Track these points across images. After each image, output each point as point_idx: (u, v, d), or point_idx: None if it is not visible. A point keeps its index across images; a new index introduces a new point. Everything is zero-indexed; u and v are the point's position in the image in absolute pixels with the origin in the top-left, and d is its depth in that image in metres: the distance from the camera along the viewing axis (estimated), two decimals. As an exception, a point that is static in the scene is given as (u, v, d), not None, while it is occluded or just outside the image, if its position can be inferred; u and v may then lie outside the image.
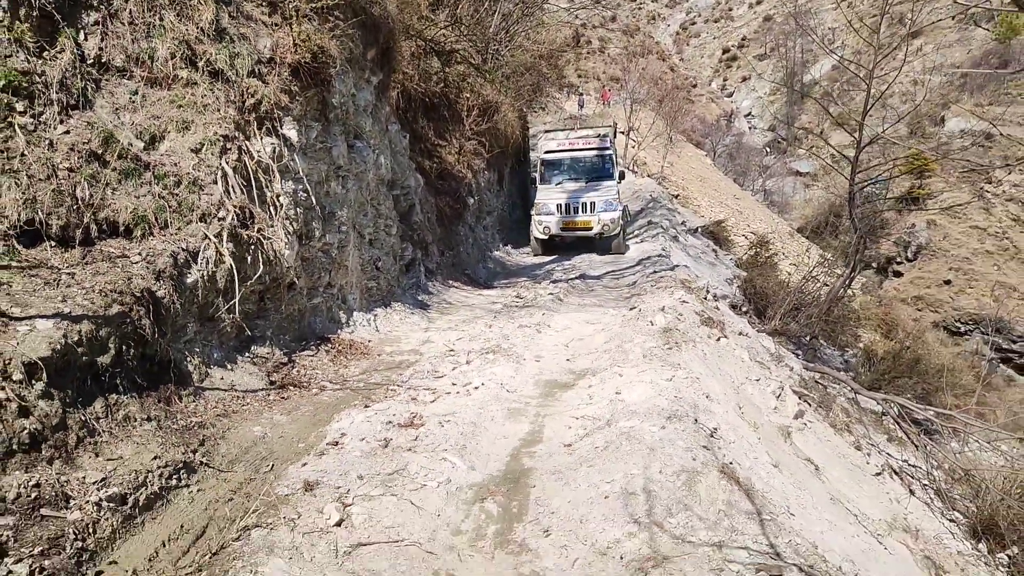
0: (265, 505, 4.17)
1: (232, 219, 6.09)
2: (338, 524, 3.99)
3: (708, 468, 4.32)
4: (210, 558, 3.71)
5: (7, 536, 3.54)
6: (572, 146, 17.22)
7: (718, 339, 8.66)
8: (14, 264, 4.97)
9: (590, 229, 15.66)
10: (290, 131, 7.10)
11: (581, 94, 44.46)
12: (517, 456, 4.95)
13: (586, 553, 3.79)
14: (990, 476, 11.23)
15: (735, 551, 3.65)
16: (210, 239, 5.90)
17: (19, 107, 5.50)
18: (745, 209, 44.54)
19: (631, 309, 8.99)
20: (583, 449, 4.89)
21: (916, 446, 11.65)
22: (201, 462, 4.75)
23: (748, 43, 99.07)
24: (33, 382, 4.28)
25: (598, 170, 16.73)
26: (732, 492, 4.15)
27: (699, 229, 21.22)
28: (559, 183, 16.71)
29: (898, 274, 55.69)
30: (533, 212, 16.40)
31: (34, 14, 5.73)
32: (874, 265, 54.12)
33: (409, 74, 11.42)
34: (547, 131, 20.59)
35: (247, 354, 6.32)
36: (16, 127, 5.37)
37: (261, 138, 6.77)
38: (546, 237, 16.08)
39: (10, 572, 3.41)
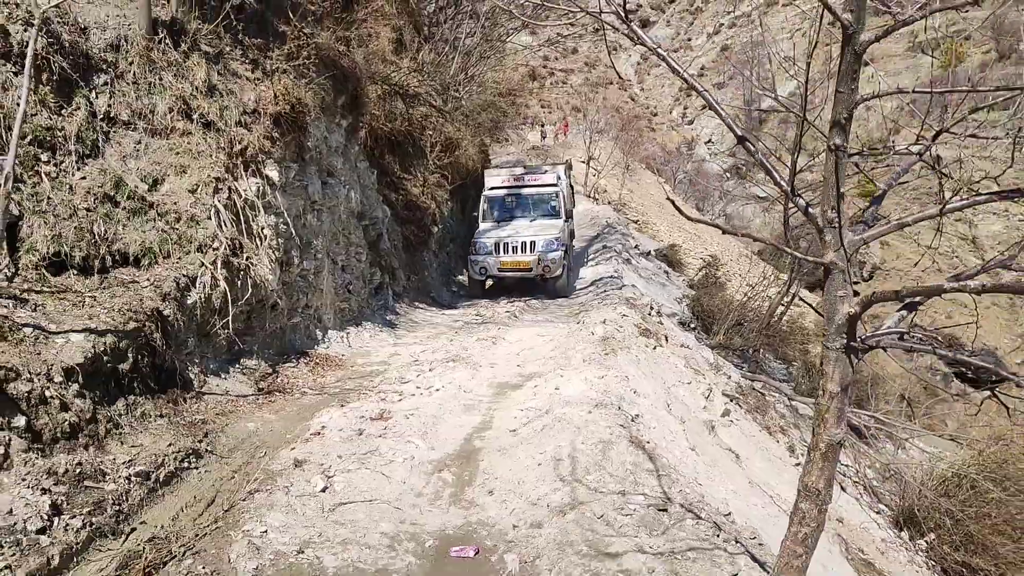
0: (263, 477, 5.16)
1: (224, 249, 7.11)
2: (323, 491, 4.99)
3: (620, 439, 5.42)
4: (223, 514, 4.69)
5: (62, 499, 4.49)
6: (517, 183, 16.75)
7: (654, 347, 9.79)
8: (45, 289, 5.94)
9: (529, 270, 14.59)
10: (272, 172, 8.15)
11: (543, 125, 45.96)
12: (470, 439, 5.99)
13: (521, 505, 4.84)
14: (910, 472, 12.55)
15: (635, 496, 4.72)
16: (206, 266, 6.90)
17: (43, 158, 6.50)
18: (703, 233, 46.18)
19: (577, 323, 10.11)
20: (524, 432, 5.95)
21: (844, 447, 12.88)
22: (206, 450, 5.72)
23: (706, 72, 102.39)
24: (70, 383, 5.26)
25: (543, 208, 16.16)
26: (638, 456, 5.24)
27: (652, 252, 22.50)
28: (501, 221, 15.98)
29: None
30: (470, 252, 15.26)
31: (54, 78, 6.76)
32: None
33: (376, 115, 12.50)
34: (495, 166, 19.87)
35: (238, 365, 7.30)
36: (42, 175, 6.37)
37: (247, 179, 7.81)
38: (482, 278, 15.08)
39: (67, 525, 4.37)
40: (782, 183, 2.61)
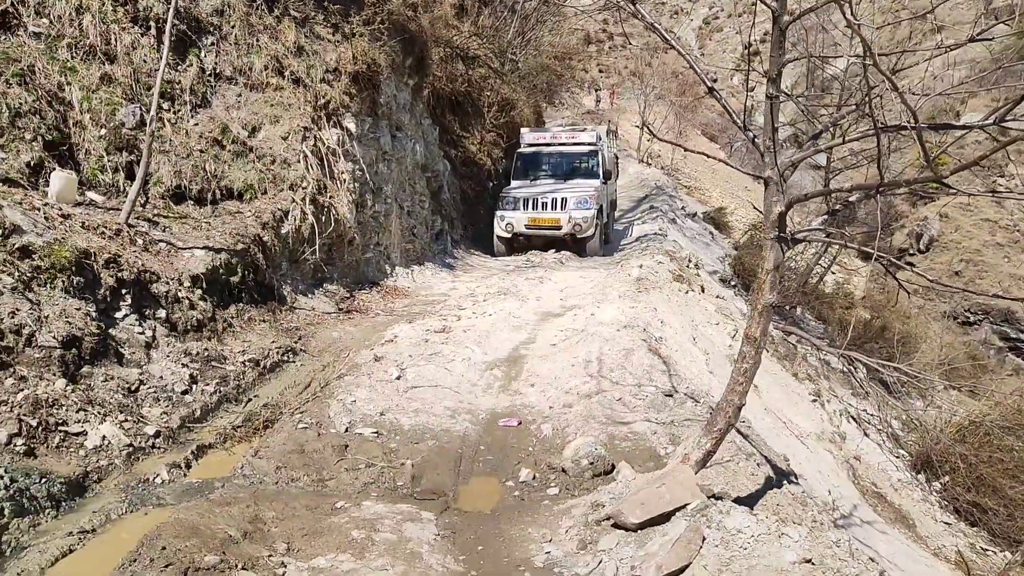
0: (349, 367, 6.40)
1: (311, 188, 8.32)
2: (397, 378, 6.18)
3: (641, 347, 6.48)
4: (320, 389, 5.94)
5: (197, 372, 5.79)
6: (554, 139, 15.66)
7: (686, 292, 10.74)
8: (171, 215, 7.24)
9: (558, 228, 13.59)
10: (350, 124, 9.31)
11: (598, 89, 46.27)
12: (516, 349, 7.12)
13: (556, 393, 5.96)
14: (930, 422, 13.37)
15: (648, 387, 5.80)
16: (297, 202, 8.14)
17: (165, 107, 7.77)
18: (757, 200, 46.14)
19: (616, 267, 11.13)
20: (562, 344, 7.05)
21: (867, 394, 13.65)
22: (300, 349, 7.00)
23: (770, 38, 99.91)
24: (195, 288, 6.55)
25: (580, 168, 15.00)
26: (654, 360, 6.30)
27: (698, 214, 23.18)
28: (534, 179, 14.87)
29: (911, 265, 56.99)
30: (497, 207, 14.24)
31: (172, 39, 8.00)
32: (890, 258, 55.49)
33: (438, 76, 13.54)
34: (532, 129, 17.88)
35: (321, 288, 8.56)
36: (166, 121, 7.65)
37: (329, 129, 8.99)
38: (509, 235, 13.89)
39: (203, 390, 5.66)
40: (737, 120, 3.59)
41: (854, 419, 12.54)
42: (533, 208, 13.79)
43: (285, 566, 3.20)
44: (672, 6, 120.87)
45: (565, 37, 22.93)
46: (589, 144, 15.30)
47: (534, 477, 4.61)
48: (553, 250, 13.80)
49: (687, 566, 2.89)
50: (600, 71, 70.52)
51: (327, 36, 9.55)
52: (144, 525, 3.55)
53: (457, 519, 3.98)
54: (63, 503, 3.85)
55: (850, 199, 3.72)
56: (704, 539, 3.00)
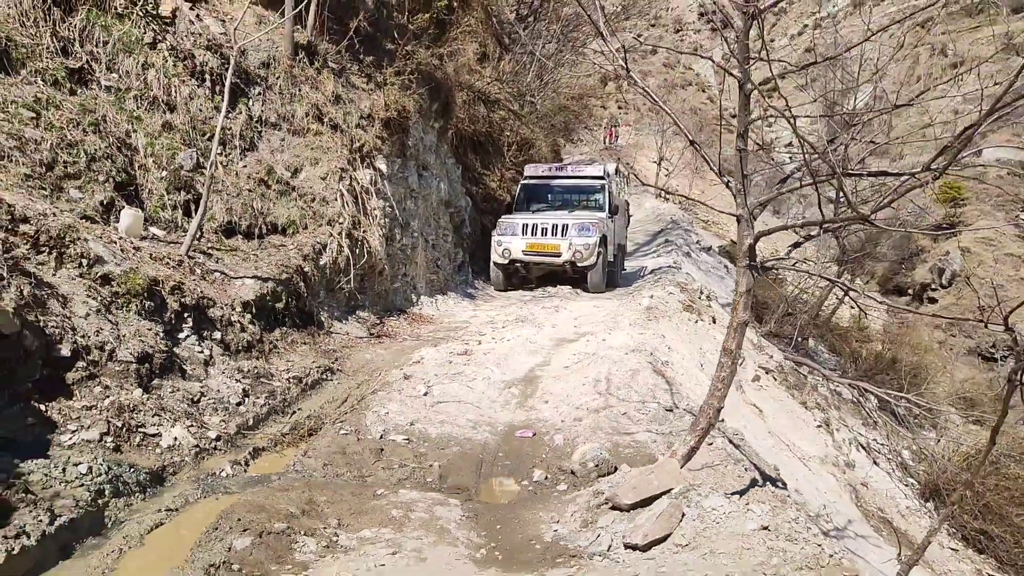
0: (381, 384, 7.11)
1: (347, 224, 9.13)
2: (424, 394, 6.87)
3: (646, 368, 7.14)
4: (356, 403, 6.64)
5: (248, 387, 6.52)
6: (558, 171, 15.13)
7: (696, 321, 11.37)
8: (223, 248, 8.05)
9: (558, 255, 12.80)
10: (381, 165, 10.16)
11: (615, 125, 47.27)
12: (532, 371, 7.80)
13: (568, 409, 6.62)
14: (938, 451, 13.83)
15: (651, 403, 6.44)
16: (334, 236, 8.94)
17: (218, 150, 8.63)
18: (777, 237, 46.70)
19: (629, 297, 11.80)
20: (574, 367, 7.72)
21: (876, 423, 14.10)
22: (337, 369, 7.73)
23: (787, 75, 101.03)
24: (245, 313, 7.32)
25: (584, 201, 14.38)
26: (658, 380, 6.95)
27: (712, 248, 23.82)
28: (536, 211, 14.07)
29: (933, 300, 56.77)
30: (495, 233, 13.47)
31: (224, 89, 8.90)
32: (909, 292, 55.48)
33: (462, 118, 14.43)
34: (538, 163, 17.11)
35: (354, 315, 9.32)
36: (218, 164, 8.50)
37: (363, 169, 9.84)
38: (506, 261, 13.16)
39: (254, 402, 6.38)
40: (715, 168, 4.30)
41: (863, 447, 12.99)
42: (532, 234, 13.09)
43: (338, 535, 3.88)
44: (691, 43, 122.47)
45: (582, 79, 23.91)
46: (595, 178, 14.65)
47: (546, 477, 5.27)
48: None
49: (669, 535, 3.52)
50: (619, 107, 71.82)
51: (361, 85, 10.47)
52: (217, 506, 4.26)
53: (479, 506, 4.65)
54: (147, 489, 4.57)
55: (812, 233, 4.39)
56: (683, 515, 3.64)
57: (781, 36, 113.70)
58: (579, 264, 12.87)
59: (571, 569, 3.55)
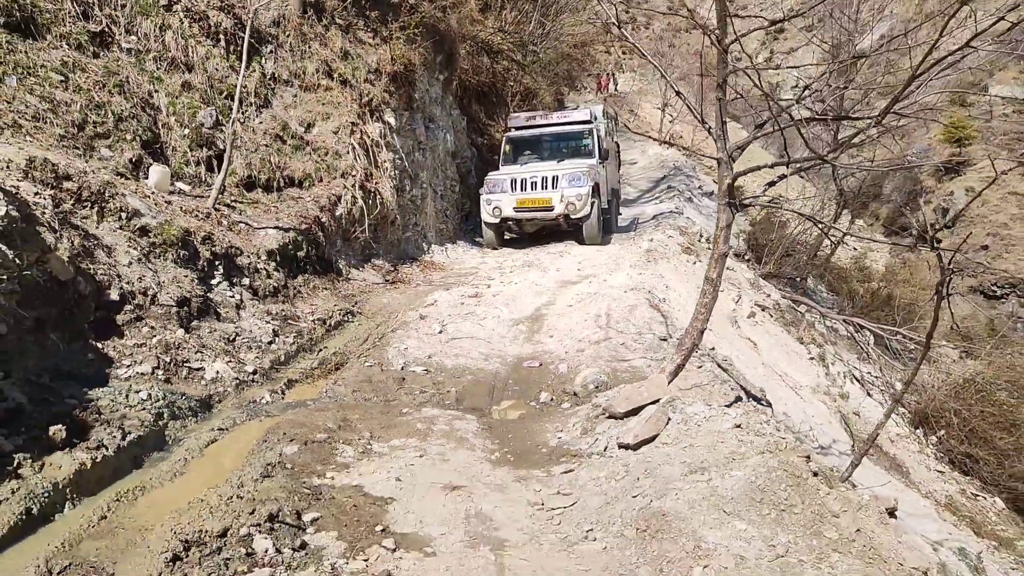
0: (399, 324, 7.69)
1: (360, 176, 9.61)
2: (439, 332, 7.45)
3: (643, 304, 7.68)
4: (377, 341, 7.23)
5: (277, 328, 7.10)
6: (545, 120, 14.40)
7: (694, 262, 11.87)
8: (245, 201, 8.56)
9: (550, 208, 12.35)
10: (390, 118, 10.58)
11: (613, 73, 46.86)
12: (539, 309, 8.36)
13: (571, 342, 7.18)
14: (930, 381, 14.42)
15: (647, 335, 7.00)
16: (348, 188, 9.43)
17: (234, 108, 9.08)
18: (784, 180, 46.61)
19: (630, 240, 12.30)
20: (577, 305, 8.28)
21: (869, 356, 14.67)
22: (357, 311, 8.30)
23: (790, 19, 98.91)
24: (270, 261, 7.86)
25: (573, 149, 13.73)
26: (655, 314, 7.50)
27: (712, 193, 24.12)
28: (523, 164, 13.41)
29: (937, 240, 56.92)
30: (482, 191, 12.81)
31: (238, 48, 9.30)
32: (913, 232, 55.64)
33: (465, 69, 14.74)
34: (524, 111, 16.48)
35: (370, 263, 9.87)
36: (236, 121, 8.96)
37: (372, 123, 10.27)
38: (497, 220, 12.62)
39: (283, 342, 6.97)
40: (696, 114, 4.75)
41: (857, 380, 13.58)
42: (521, 189, 12.53)
43: (371, 444, 4.49)
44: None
45: (584, 26, 23.95)
46: (582, 122, 14.08)
47: (551, 399, 5.87)
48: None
49: (656, 435, 4.10)
50: (623, 53, 70.95)
51: (368, 41, 10.82)
52: (263, 426, 4.87)
53: (493, 421, 5.27)
54: (198, 414, 5.18)
55: (784, 173, 4.88)
56: (669, 419, 4.21)
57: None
58: (573, 216, 12.43)
59: (572, 465, 4.16)
